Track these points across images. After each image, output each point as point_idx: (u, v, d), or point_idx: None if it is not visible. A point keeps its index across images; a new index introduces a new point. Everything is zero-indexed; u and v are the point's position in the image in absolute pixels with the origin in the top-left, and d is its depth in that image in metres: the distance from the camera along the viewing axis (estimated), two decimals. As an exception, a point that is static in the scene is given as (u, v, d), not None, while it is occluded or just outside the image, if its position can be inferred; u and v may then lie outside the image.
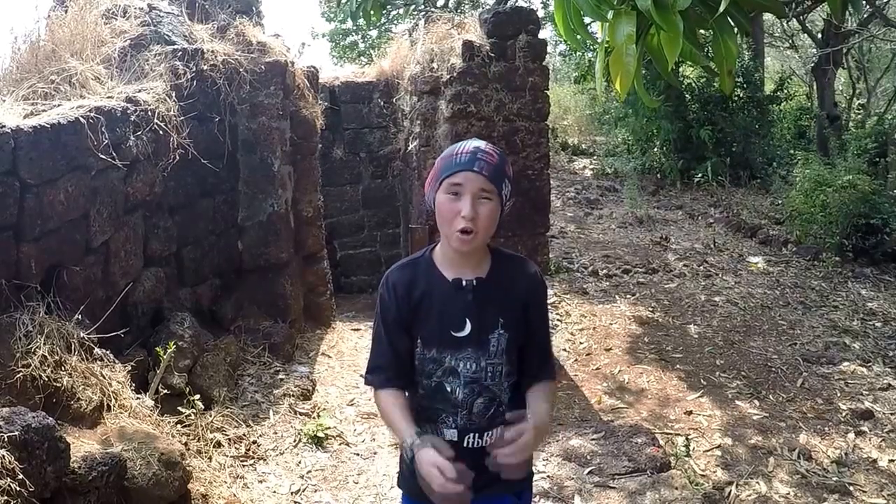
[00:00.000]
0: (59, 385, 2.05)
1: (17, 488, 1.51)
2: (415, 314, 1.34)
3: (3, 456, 1.53)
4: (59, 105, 2.65)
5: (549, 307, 1.49)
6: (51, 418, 1.70)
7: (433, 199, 1.31)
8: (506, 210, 1.31)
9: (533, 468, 1.48)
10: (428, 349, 1.34)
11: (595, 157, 10.71)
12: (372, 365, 1.40)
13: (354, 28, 13.19)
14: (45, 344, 2.06)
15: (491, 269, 1.36)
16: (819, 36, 9.42)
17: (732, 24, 1.11)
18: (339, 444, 3.00)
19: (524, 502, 1.47)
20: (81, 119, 2.48)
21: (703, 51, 1.35)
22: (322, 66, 5.40)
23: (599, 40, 1.28)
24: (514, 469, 1.22)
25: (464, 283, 1.33)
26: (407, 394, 1.40)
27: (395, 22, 12.65)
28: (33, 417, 1.64)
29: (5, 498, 1.50)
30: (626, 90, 1.13)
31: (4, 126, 2.15)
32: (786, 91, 9.62)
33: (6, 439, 1.54)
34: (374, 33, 12.88)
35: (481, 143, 1.30)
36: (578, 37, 1.26)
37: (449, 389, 1.33)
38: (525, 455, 1.22)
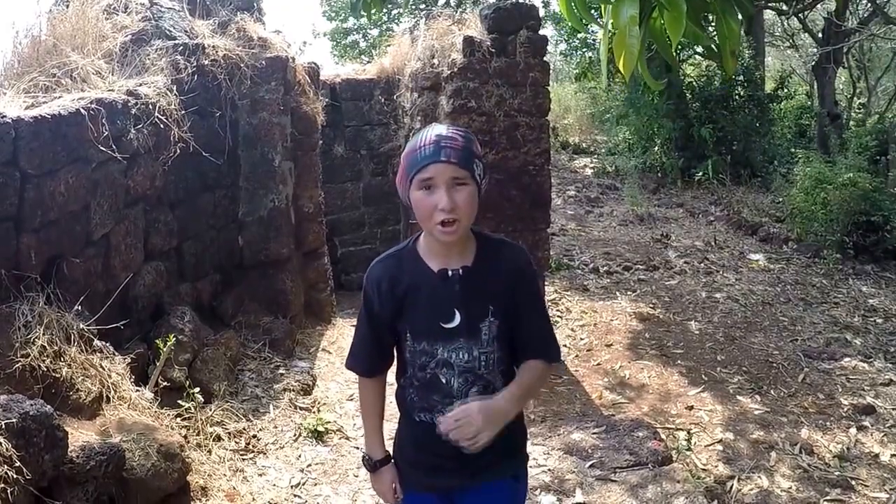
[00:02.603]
0: (58, 376, 2.04)
1: (15, 476, 1.51)
2: (400, 308, 1.33)
3: (1, 443, 1.52)
4: (59, 97, 2.65)
5: (541, 292, 1.45)
6: (49, 406, 1.70)
7: (408, 196, 1.27)
8: (482, 190, 1.27)
9: (528, 453, 1.49)
10: (418, 342, 1.33)
11: (596, 156, 10.70)
12: (354, 351, 1.44)
13: (355, 27, 13.20)
14: (44, 334, 2.05)
15: (477, 255, 1.32)
16: (819, 35, 9.42)
17: (734, 5, 1.10)
18: (340, 439, 2.99)
19: (522, 486, 1.45)
20: (82, 111, 2.47)
21: (705, 31, 1.35)
22: (323, 65, 5.41)
23: (603, 24, 1.28)
24: (464, 442, 1.27)
25: (450, 273, 1.30)
26: (402, 380, 1.41)
27: (396, 21, 12.66)
28: (31, 405, 1.63)
29: (2, 485, 1.49)
30: (630, 72, 1.12)
31: (5, 116, 2.15)
32: (786, 90, 9.62)
33: (3, 426, 1.54)
34: (374, 32, 12.89)
35: (442, 129, 1.24)
36: (584, 22, 1.25)
37: (444, 381, 1.33)
38: (465, 433, 1.25)
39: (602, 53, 1.24)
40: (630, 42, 1.06)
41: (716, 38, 1.19)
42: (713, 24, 1.22)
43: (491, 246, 1.35)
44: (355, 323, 1.45)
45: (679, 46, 9.33)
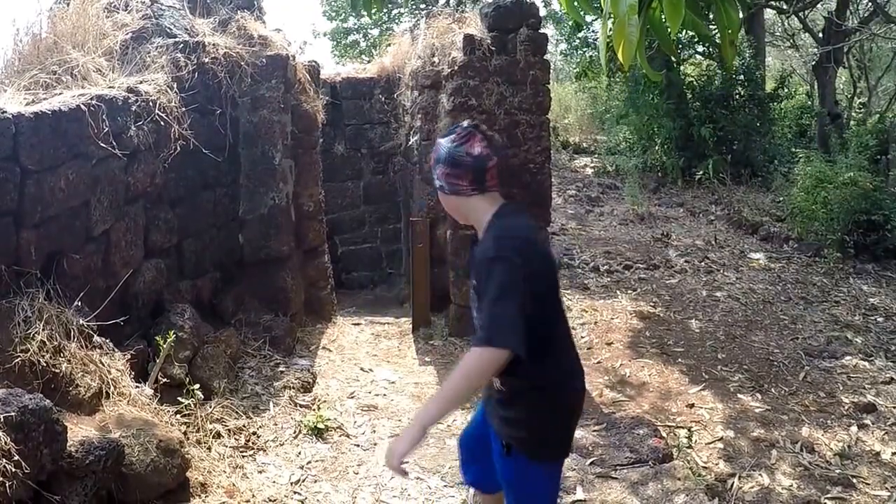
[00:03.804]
0: (57, 371, 2.04)
1: (13, 469, 1.50)
2: None
3: None
4: (60, 94, 2.65)
5: (501, 279, 1.45)
6: (48, 400, 1.69)
7: None
8: (447, 190, 1.57)
9: (530, 436, 1.58)
10: None
11: (596, 156, 10.70)
12: None
13: (356, 27, 13.21)
14: (43, 329, 2.05)
15: (482, 235, 1.57)
16: (820, 34, 9.41)
17: (735, -4, 1.10)
18: (340, 436, 2.99)
19: (517, 464, 1.58)
20: (83, 107, 2.47)
21: (704, 21, 1.34)
22: (324, 65, 5.41)
23: (603, 14, 1.28)
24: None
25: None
26: None
27: (397, 21, 12.68)
28: (30, 399, 1.62)
29: (1, 479, 1.49)
30: (629, 61, 1.12)
31: (6, 112, 2.15)
32: (787, 89, 9.61)
33: (2, 420, 1.53)
34: (375, 32, 12.91)
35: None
36: (583, 13, 1.25)
37: None
38: (391, 463, 1.46)
39: (601, 43, 1.24)
40: (629, 31, 1.06)
41: (716, 37, 1.18)
42: (714, 22, 1.21)
43: (489, 228, 1.55)
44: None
45: (680, 45, 9.33)
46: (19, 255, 2.19)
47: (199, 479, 2.33)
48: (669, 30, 1.14)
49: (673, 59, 8.85)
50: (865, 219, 5.75)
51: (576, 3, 1.31)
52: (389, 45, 6.11)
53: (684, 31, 9.16)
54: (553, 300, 1.58)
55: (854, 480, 2.66)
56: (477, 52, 4.06)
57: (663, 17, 1.12)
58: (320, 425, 2.97)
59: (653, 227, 7.03)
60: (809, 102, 10.53)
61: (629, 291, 5.09)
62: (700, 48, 10.09)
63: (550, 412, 1.54)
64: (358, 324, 4.57)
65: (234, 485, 2.45)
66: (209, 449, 2.62)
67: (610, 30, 1.24)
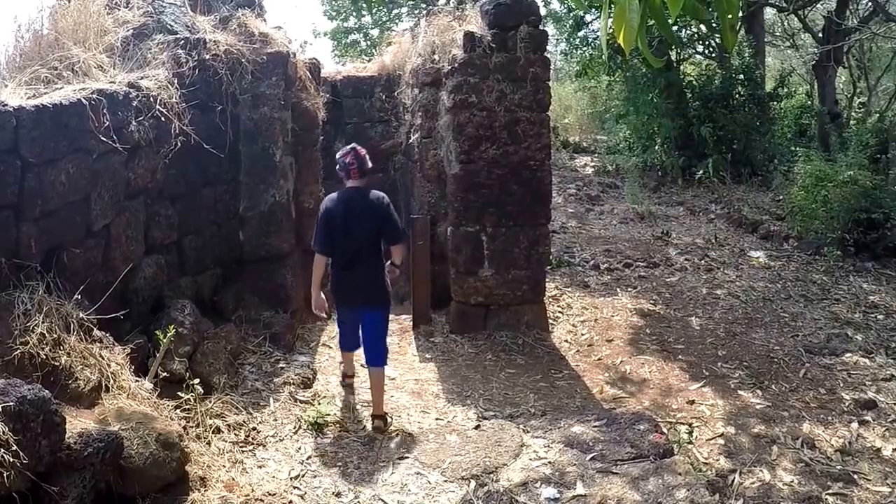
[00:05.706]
0: (57, 364, 2.04)
1: (11, 460, 1.50)
2: None
3: None
4: (61, 89, 2.65)
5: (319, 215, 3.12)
6: (46, 391, 1.69)
7: None
8: (340, 176, 3.21)
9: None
10: None
11: (596, 155, 10.69)
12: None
13: (356, 26, 13.23)
14: (43, 322, 2.05)
15: None
16: (820, 34, 9.41)
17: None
18: (339, 431, 2.98)
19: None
20: (83, 101, 2.48)
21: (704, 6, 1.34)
22: (325, 65, 5.42)
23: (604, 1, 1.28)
24: None
25: None
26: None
27: (397, 21, 12.70)
28: (29, 389, 1.62)
29: None
30: (630, 46, 1.12)
31: (6, 104, 2.15)
32: (786, 89, 9.60)
33: (0, 410, 1.53)
34: (375, 32, 12.92)
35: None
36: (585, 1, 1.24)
37: None
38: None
39: (602, 29, 1.24)
40: (630, 17, 1.06)
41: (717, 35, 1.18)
42: (713, 8, 1.21)
43: None
44: None
45: (680, 44, 9.31)
46: (19, 248, 2.19)
47: (198, 474, 2.33)
48: (669, 16, 1.14)
49: (672, 56, 8.83)
50: (865, 217, 5.74)
51: (576, -6, 1.31)
52: (390, 43, 6.11)
53: (684, 29, 9.15)
54: (339, 230, 3.05)
55: (855, 476, 2.66)
56: (477, 49, 4.06)
57: (664, 5, 1.12)
58: (320, 421, 2.97)
59: (653, 226, 7.03)
60: (809, 102, 10.51)
61: (629, 289, 5.08)
62: (700, 47, 10.07)
63: (334, 284, 3.18)
64: (358, 321, 4.56)
65: (233, 479, 2.45)
66: (209, 444, 2.61)
67: (610, 27, 1.23)
